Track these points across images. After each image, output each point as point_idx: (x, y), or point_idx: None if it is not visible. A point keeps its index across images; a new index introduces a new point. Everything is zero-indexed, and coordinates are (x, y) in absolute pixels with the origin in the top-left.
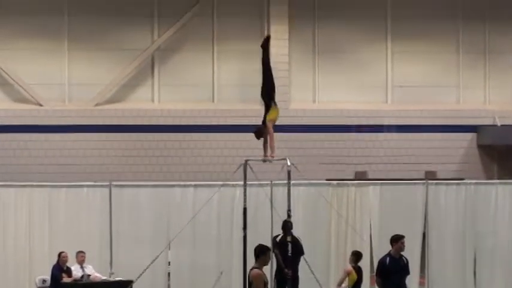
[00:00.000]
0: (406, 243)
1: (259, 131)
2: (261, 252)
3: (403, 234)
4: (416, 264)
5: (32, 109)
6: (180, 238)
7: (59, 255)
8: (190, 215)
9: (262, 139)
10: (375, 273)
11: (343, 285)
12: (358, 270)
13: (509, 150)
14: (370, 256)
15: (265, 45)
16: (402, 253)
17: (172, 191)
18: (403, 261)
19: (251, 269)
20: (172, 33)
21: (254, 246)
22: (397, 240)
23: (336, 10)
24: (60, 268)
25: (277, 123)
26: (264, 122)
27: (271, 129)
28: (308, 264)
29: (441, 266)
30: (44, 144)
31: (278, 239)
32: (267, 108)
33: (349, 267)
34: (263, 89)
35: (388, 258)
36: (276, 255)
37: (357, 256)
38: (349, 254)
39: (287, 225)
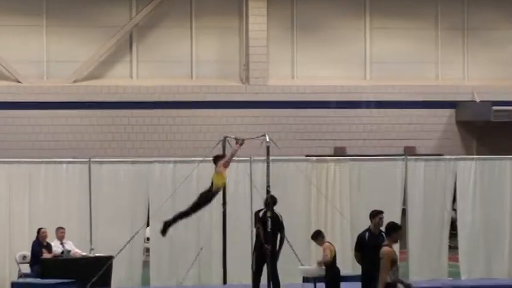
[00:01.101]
0: (385, 219)
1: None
2: (392, 229)
3: (383, 209)
4: None
5: (10, 86)
6: (160, 214)
7: (39, 231)
8: (170, 191)
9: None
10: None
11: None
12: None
13: (488, 126)
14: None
15: None
16: (382, 228)
17: (151, 167)
18: (383, 236)
19: (383, 246)
20: (150, 10)
21: (234, 222)
22: (375, 215)
23: None
24: (40, 244)
25: (255, 99)
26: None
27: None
28: (287, 240)
29: (421, 241)
30: (23, 120)
31: (261, 214)
32: None
33: (327, 243)
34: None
35: (367, 234)
36: (257, 230)
37: (322, 233)
38: (329, 228)
39: (271, 201)
